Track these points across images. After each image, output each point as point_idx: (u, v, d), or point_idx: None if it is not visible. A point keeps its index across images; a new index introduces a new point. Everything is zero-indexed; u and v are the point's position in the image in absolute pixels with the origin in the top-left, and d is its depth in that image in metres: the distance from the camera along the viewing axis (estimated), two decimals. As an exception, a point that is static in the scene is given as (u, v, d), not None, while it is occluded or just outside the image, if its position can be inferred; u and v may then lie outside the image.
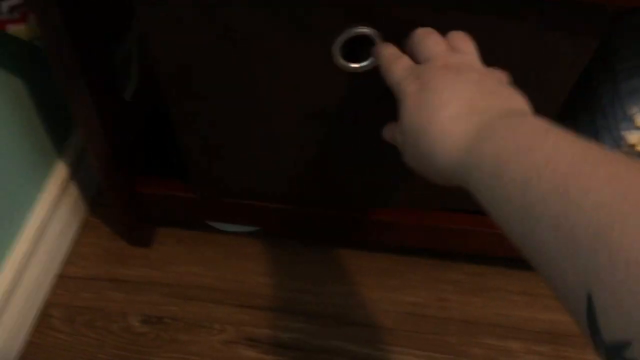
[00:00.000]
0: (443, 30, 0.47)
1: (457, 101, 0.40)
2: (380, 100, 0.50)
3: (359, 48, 0.53)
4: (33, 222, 0.76)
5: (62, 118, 0.79)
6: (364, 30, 0.51)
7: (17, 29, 0.54)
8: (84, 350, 0.76)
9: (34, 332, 0.77)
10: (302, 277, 0.82)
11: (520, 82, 0.45)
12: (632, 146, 0.63)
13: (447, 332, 0.78)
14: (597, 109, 0.68)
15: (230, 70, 0.58)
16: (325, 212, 0.75)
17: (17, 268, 0.73)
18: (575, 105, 0.74)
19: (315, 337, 0.77)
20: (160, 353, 0.76)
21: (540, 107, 0.47)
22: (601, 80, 0.69)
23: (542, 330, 0.79)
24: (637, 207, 0.26)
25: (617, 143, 0.64)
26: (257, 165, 0.70)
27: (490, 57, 0.46)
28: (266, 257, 0.84)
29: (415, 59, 0.46)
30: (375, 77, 0.49)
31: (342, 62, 0.54)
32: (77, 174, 0.83)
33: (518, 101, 0.41)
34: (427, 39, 0.45)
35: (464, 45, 0.46)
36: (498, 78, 0.44)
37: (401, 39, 0.48)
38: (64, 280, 0.81)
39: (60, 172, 0.80)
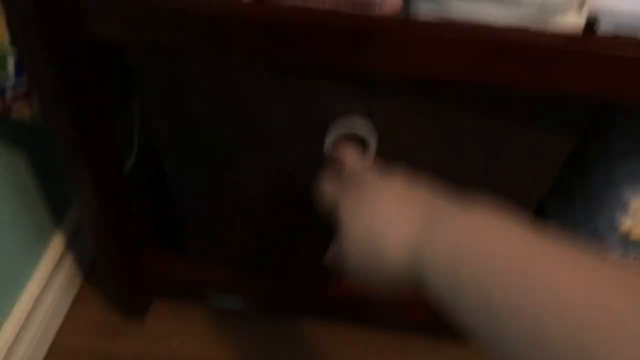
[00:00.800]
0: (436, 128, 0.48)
1: (395, 198, 0.39)
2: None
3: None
4: (28, 294, 0.75)
5: (60, 193, 0.80)
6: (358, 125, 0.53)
7: (20, 113, 0.56)
8: None
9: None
10: (296, 356, 0.81)
11: (502, 172, 0.46)
12: (627, 233, 0.62)
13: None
14: (591, 191, 0.68)
15: (229, 145, 0.60)
16: (316, 289, 0.75)
17: (11, 340, 0.72)
18: (572, 186, 0.74)
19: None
20: None
21: (523, 196, 0.47)
22: (595, 162, 0.70)
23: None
24: (612, 319, 0.26)
25: (612, 228, 0.63)
26: (246, 236, 0.71)
27: (474, 148, 0.47)
28: (262, 336, 0.83)
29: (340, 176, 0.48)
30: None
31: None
32: (74, 246, 0.83)
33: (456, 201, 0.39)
34: (347, 157, 0.49)
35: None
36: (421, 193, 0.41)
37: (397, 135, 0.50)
38: (56, 353, 0.80)
39: (57, 245, 0.80)
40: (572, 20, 0.47)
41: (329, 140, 0.55)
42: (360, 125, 0.54)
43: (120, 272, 0.77)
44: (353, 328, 0.83)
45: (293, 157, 0.59)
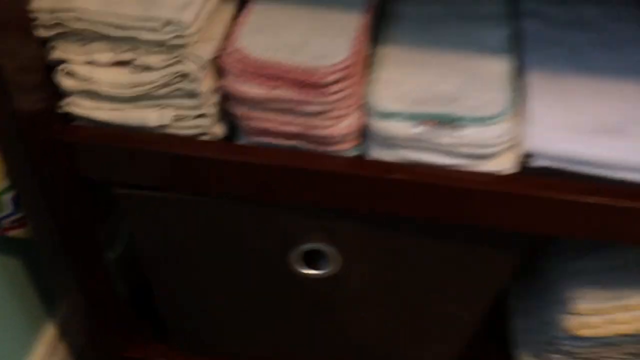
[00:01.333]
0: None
1: None
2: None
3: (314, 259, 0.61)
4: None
5: (50, 288, 0.85)
6: (320, 245, 0.59)
7: (16, 233, 0.62)
8: None
9: None
10: None
11: (444, 294, 0.52)
12: (571, 330, 0.68)
13: None
14: (543, 291, 0.75)
15: (205, 257, 0.66)
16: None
17: None
18: (527, 282, 0.80)
19: None
20: None
21: (462, 316, 0.53)
22: (545, 265, 0.76)
23: None
24: None
25: (551, 326, 0.70)
26: (224, 328, 0.77)
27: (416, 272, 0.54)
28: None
29: None
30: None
31: (298, 268, 0.61)
32: (65, 336, 0.88)
33: None
34: None
35: None
36: None
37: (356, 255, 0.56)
38: None
39: (48, 334, 0.85)
40: (503, 161, 0.54)
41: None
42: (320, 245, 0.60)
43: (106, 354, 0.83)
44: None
45: (263, 269, 0.65)
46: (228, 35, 0.54)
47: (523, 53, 0.62)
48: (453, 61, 0.58)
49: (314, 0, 0.56)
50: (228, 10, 0.57)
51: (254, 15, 0.55)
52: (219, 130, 0.56)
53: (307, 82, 0.50)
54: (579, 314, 0.67)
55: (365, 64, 0.56)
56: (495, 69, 0.57)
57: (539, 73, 0.60)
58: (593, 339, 0.67)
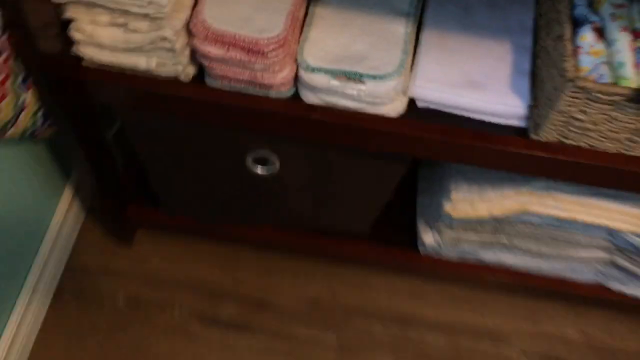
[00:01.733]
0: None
1: None
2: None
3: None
4: (50, 230, 1.08)
5: (67, 163, 1.09)
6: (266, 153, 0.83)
7: (45, 135, 0.84)
8: (85, 319, 1.11)
9: (49, 308, 1.11)
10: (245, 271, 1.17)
11: (352, 189, 0.76)
12: (448, 213, 0.95)
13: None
14: (435, 184, 1.01)
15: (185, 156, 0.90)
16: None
17: (44, 259, 1.06)
18: (431, 170, 1.06)
19: (245, 318, 1.12)
20: (135, 324, 1.11)
21: (367, 202, 0.78)
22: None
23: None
24: None
25: (439, 207, 0.96)
26: (200, 200, 1.03)
27: (332, 174, 0.78)
28: (214, 255, 1.18)
29: None
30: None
31: (252, 167, 0.86)
32: (79, 195, 1.15)
33: None
34: None
35: None
36: None
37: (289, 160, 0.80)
38: (71, 268, 1.15)
39: (66, 195, 1.12)
40: (397, 105, 0.76)
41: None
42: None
43: (111, 215, 1.10)
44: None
45: (227, 167, 0.89)
46: (195, 7, 0.72)
47: (425, 12, 0.80)
48: (367, 23, 0.77)
49: (262, -28, 0.73)
50: (196, -19, 0.74)
51: (214, -10, 0.72)
52: (190, 72, 0.76)
53: (252, 49, 0.70)
54: (453, 200, 0.94)
55: (300, 25, 0.75)
56: (398, 31, 0.76)
57: (433, 31, 0.80)
58: (460, 219, 0.94)
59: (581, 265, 1.00)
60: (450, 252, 1.05)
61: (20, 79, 0.73)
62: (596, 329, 1.11)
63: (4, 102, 0.70)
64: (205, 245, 1.18)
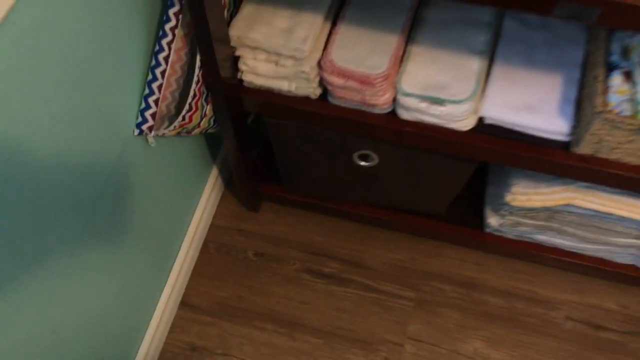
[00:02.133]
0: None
1: None
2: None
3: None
4: (204, 197, 1.44)
5: (215, 149, 1.44)
6: (368, 152, 1.12)
7: (213, 131, 1.17)
8: (224, 266, 1.46)
9: (199, 256, 1.47)
10: (347, 241, 1.48)
11: (431, 183, 1.04)
12: (509, 202, 1.20)
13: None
14: (501, 172, 1.26)
15: (310, 150, 1.21)
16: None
17: (198, 220, 1.42)
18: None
19: (344, 274, 1.44)
20: (260, 273, 1.45)
21: (442, 196, 1.06)
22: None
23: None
24: None
25: (502, 196, 1.21)
26: (317, 183, 1.34)
27: (418, 164, 1.06)
28: (326, 226, 1.49)
29: None
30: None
31: (357, 161, 1.15)
32: (222, 172, 1.50)
33: None
34: None
35: None
36: None
37: (386, 157, 1.10)
38: (213, 227, 1.50)
39: (213, 172, 1.47)
40: (468, 122, 1.03)
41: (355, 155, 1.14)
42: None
43: (245, 188, 1.43)
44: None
45: (339, 160, 1.19)
46: (325, 49, 1.01)
47: (497, 49, 1.05)
48: (449, 59, 1.03)
49: (376, 23, 1.01)
50: (327, 27, 1.03)
51: (339, 35, 1.01)
52: (317, 92, 1.06)
53: (365, 81, 0.99)
54: (513, 193, 1.19)
55: (399, 61, 1.03)
56: (473, 67, 1.02)
57: (501, 65, 1.04)
58: (518, 207, 1.19)
59: (619, 249, 1.23)
60: (510, 233, 1.30)
61: (204, 97, 1.06)
62: (633, 302, 1.33)
63: (195, 114, 1.03)
64: (315, 216, 1.50)
